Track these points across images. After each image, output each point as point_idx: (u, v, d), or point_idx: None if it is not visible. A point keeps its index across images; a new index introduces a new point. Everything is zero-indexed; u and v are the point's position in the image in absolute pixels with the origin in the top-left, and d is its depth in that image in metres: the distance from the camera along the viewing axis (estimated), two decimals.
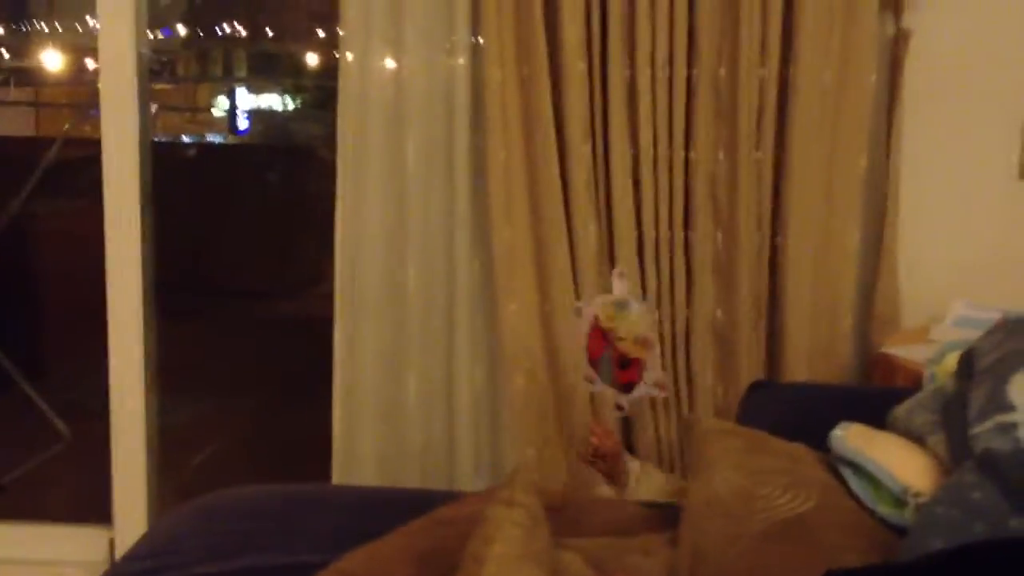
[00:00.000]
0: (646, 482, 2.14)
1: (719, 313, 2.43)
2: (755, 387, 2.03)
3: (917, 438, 1.55)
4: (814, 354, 2.42)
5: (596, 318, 2.20)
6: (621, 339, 2.16)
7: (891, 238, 2.42)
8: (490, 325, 2.52)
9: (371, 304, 2.52)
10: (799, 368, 2.39)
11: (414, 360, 2.54)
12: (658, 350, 2.15)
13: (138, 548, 1.73)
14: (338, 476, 2.59)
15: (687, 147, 2.36)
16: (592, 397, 2.43)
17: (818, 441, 1.70)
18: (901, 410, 1.64)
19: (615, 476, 2.15)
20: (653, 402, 2.42)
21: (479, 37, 2.40)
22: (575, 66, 2.32)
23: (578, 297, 2.37)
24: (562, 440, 2.49)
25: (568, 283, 2.42)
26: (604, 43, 2.34)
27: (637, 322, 2.14)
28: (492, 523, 1.28)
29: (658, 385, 2.15)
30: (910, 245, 2.46)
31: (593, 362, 2.22)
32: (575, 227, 2.40)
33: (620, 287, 2.18)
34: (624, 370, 2.18)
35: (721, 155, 2.36)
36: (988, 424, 1.39)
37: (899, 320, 2.46)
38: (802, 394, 2.02)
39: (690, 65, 2.33)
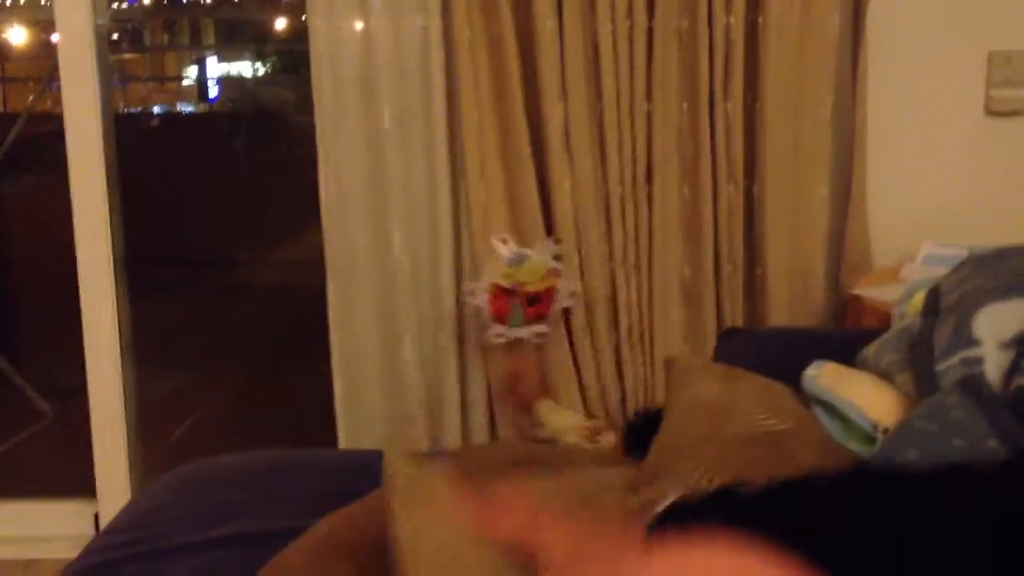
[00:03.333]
0: (558, 416, 2.18)
1: (685, 269, 2.43)
2: (728, 334, 2.04)
3: (886, 377, 1.56)
4: (791, 302, 2.43)
5: (493, 284, 2.33)
6: (525, 284, 2.30)
7: (860, 182, 2.42)
8: None
9: (360, 268, 2.53)
10: (779, 318, 2.41)
11: (408, 323, 2.54)
12: (566, 272, 2.35)
13: (119, 520, 1.74)
14: (345, 441, 2.61)
15: (649, 100, 2.36)
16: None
17: (791, 384, 1.72)
18: (869, 350, 1.65)
19: (528, 408, 2.22)
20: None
21: None
22: (545, 25, 2.30)
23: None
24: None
25: (541, 234, 2.42)
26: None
27: (537, 264, 2.30)
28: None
29: (574, 295, 2.38)
30: (879, 188, 2.47)
31: (502, 319, 2.34)
32: (551, 185, 2.39)
33: (505, 250, 2.33)
34: (534, 306, 2.32)
35: (685, 106, 2.35)
36: (953, 360, 1.40)
37: (870, 263, 2.47)
38: (774, 338, 2.03)
39: (651, 17, 2.32)
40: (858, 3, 2.35)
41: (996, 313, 1.44)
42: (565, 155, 2.38)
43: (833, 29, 2.33)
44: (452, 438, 2.56)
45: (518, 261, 2.30)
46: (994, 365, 1.39)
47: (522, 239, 2.44)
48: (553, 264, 2.33)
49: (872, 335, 1.72)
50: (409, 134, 2.47)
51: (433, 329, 2.55)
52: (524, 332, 2.34)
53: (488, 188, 2.43)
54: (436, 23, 2.39)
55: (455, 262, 2.52)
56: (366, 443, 2.58)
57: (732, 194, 2.38)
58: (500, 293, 2.32)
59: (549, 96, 2.34)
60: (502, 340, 2.36)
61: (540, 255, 2.32)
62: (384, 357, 2.57)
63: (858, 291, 2.29)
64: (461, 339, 2.55)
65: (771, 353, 1.87)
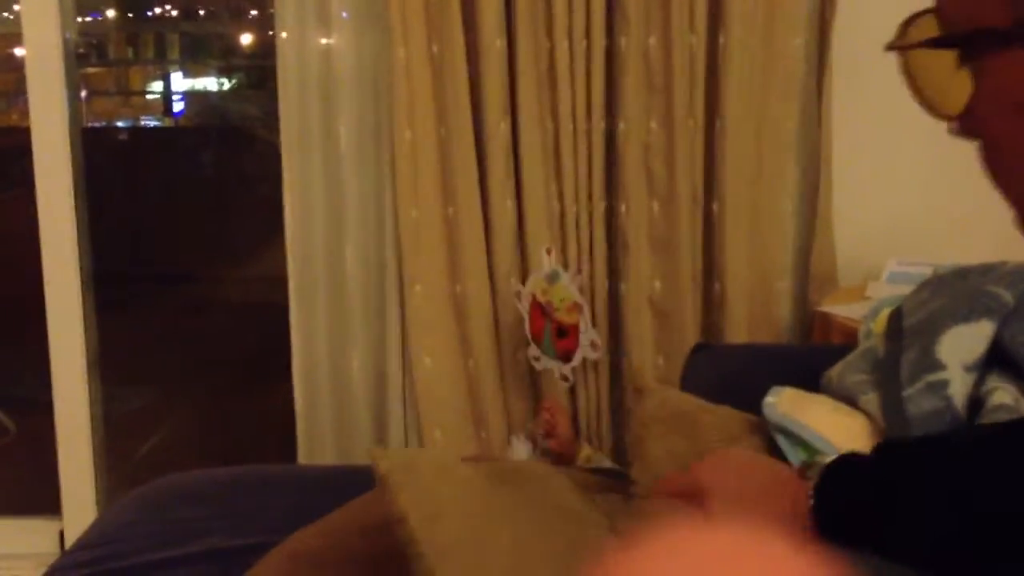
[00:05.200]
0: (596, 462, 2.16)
1: (657, 285, 2.45)
2: (697, 349, 2.05)
3: (849, 398, 1.57)
4: (753, 318, 2.45)
5: (533, 296, 2.28)
6: (556, 309, 2.24)
7: (825, 199, 2.45)
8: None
9: (320, 286, 2.53)
10: (739, 334, 2.43)
11: (357, 340, 2.55)
12: (588, 312, 2.27)
13: (85, 538, 1.72)
14: (303, 457, 2.60)
15: (606, 118, 2.36)
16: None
17: (758, 400, 1.74)
18: (834, 371, 1.67)
19: (567, 458, 2.16)
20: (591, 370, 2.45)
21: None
22: (493, 43, 2.31)
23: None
24: (471, 423, 2.51)
25: (482, 263, 2.42)
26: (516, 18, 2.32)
27: (567, 289, 2.24)
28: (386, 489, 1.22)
29: (593, 345, 2.27)
30: (845, 205, 2.49)
31: (537, 340, 2.31)
32: (491, 205, 2.40)
33: (548, 261, 2.27)
34: (563, 339, 2.26)
35: (654, 125, 2.37)
36: (920, 384, 1.43)
37: (836, 280, 2.50)
38: (743, 355, 2.05)
39: (609, 36, 2.33)
40: (823, 22, 2.38)
41: (959, 336, 1.47)
42: (510, 175, 2.38)
43: (797, 48, 2.36)
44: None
45: (552, 278, 2.27)
46: (959, 388, 1.41)
47: (456, 262, 2.43)
48: (577, 297, 2.27)
49: (840, 351, 1.75)
50: (364, 154, 2.48)
51: (380, 349, 2.55)
52: (554, 366, 2.32)
53: (420, 210, 2.41)
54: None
55: (399, 281, 2.51)
56: (322, 459, 2.58)
57: (692, 211, 2.40)
58: (538, 310, 2.30)
59: (493, 115, 2.34)
60: (539, 366, 2.36)
61: (569, 277, 2.28)
62: (336, 373, 2.57)
63: (825, 308, 2.32)
64: (405, 355, 2.53)
65: (739, 370, 1.89)
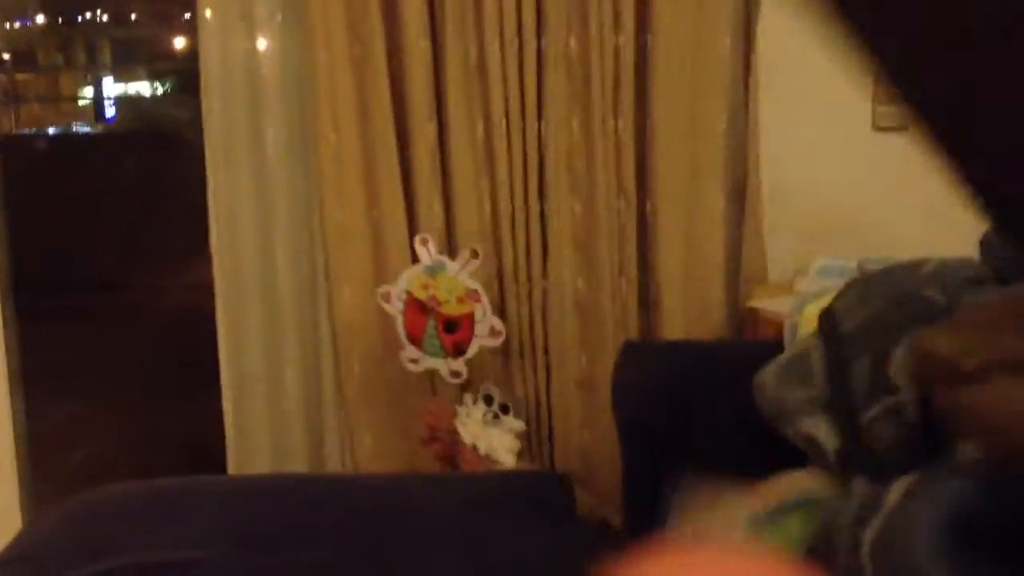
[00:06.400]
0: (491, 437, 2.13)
1: (579, 283, 2.44)
2: (628, 347, 2.05)
3: (794, 417, 1.53)
4: (688, 315, 2.46)
5: (409, 294, 2.20)
6: (443, 302, 2.17)
7: (754, 197, 2.47)
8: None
9: (249, 292, 2.50)
10: (674, 330, 2.44)
11: (289, 347, 2.52)
12: (486, 299, 2.18)
13: (5, 554, 1.67)
14: (233, 468, 2.56)
15: (540, 118, 2.36)
16: (429, 376, 2.40)
17: (689, 397, 1.74)
18: (767, 377, 1.62)
19: (452, 457, 2.14)
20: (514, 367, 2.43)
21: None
22: (417, 44, 2.30)
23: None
24: (399, 427, 2.48)
25: (408, 265, 2.38)
26: (442, 19, 2.31)
27: (456, 279, 2.16)
28: None
29: (494, 333, 2.18)
30: (773, 202, 2.51)
31: (416, 340, 2.22)
32: (418, 206, 2.38)
33: (426, 253, 2.19)
34: (452, 333, 2.18)
35: (575, 124, 2.37)
36: (877, 408, 1.39)
37: (767, 276, 2.52)
38: (674, 351, 2.05)
39: (539, 36, 2.33)
40: (748, 22, 2.40)
41: (906, 352, 1.44)
42: (436, 175, 2.37)
43: (724, 47, 2.37)
44: (334, 465, 2.53)
45: (437, 268, 2.17)
46: (915, 411, 1.38)
47: (383, 264, 2.38)
48: (470, 284, 2.17)
49: (769, 348, 1.75)
50: (294, 154, 2.46)
51: (314, 355, 2.53)
52: (440, 365, 2.21)
53: (345, 212, 2.39)
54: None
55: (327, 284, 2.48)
56: (254, 469, 2.55)
57: (623, 209, 2.40)
58: (416, 307, 2.19)
59: (419, 116, 2.33)
60: (417, 368, 2.25)
61: (459, 265, 2.16)
62: (268, 383, 2.53)
63: (755, 303, 2.33)
64: (338, 367, 2.49)
65: (671, 366, 1.89)
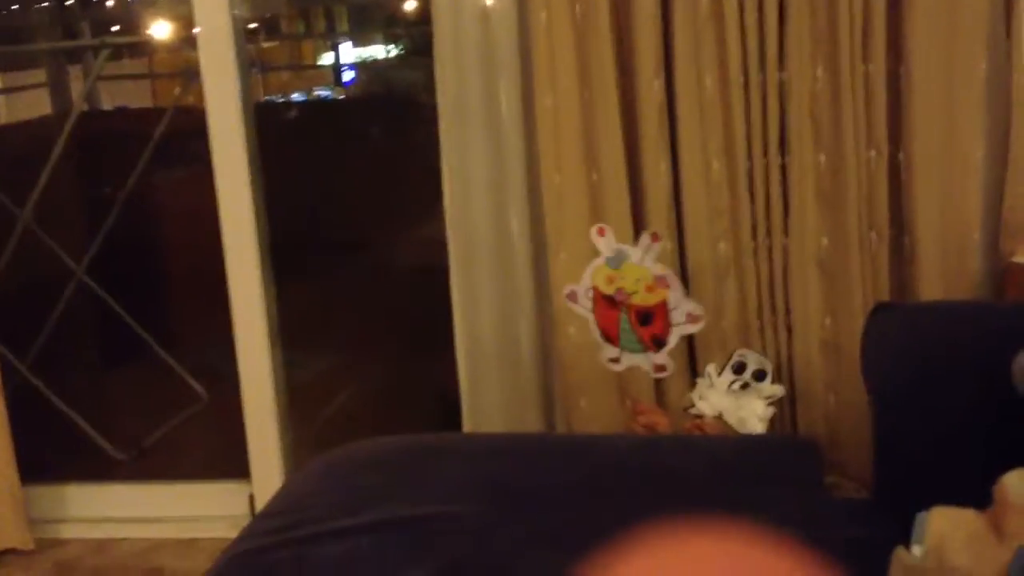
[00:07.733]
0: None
1: (824, 241, 2.34)
2: (878, 309, 1.95)
3: None
4: (947, 273, 2.32)
5: (596, 290, 2.08)
6: (632, 293, 2.05)
7: (1018, 144, 2.30)
8: None
9: (483, 252, 2.53)
10: (932, 289, 2.30)
11: (524, 307, 2.53)
12: (677, 281, 2.04)
13: (272, 506, 1.78)
14: (468, 426, 2.62)
15: (781, 69, 2.27)
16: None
17: (950, 365, 1.65)
18: None
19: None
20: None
21: None
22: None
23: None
24: (616, 390, 2.44)
25: (628, 227, 2.34)
26: None
27: (641, 267, 2.03)
28: None
29: (692, 318, 2.03)
30: None
31: (612, 338, 2.11)
32: (644, 167, 2.33)
33: (604, 243, 2.06)
34: (648, 325, 2.06)
35: (820, 72, 2.26)
36: None
37: None
38: (929, 314, 1.94)
39: None
40: None
41: None
42: (665, 134, 2.31)
43: None
44: (562, 426, 2.55)
45: (619, 258, 2.03)
46: None
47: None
48: (658, 271, 2.03)
49: None
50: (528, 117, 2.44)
51: (544, 316, 2.53)
52: (642, 361, 2.10)
53: (563, 175, 2.36)
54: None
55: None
56: (487, 427, 2.58)
57: (875, 161, 2.28)
58: (605, 304, 2.07)
59: (645, 73, 2.27)
60: (619, 367, 2.15)
61: (641, 250, 2.03)
62: (502, 342, 2.56)
63: (1019, 259, 2.18)
64: (555, 331, 2.46)
65: (929, 330, 1.79)
